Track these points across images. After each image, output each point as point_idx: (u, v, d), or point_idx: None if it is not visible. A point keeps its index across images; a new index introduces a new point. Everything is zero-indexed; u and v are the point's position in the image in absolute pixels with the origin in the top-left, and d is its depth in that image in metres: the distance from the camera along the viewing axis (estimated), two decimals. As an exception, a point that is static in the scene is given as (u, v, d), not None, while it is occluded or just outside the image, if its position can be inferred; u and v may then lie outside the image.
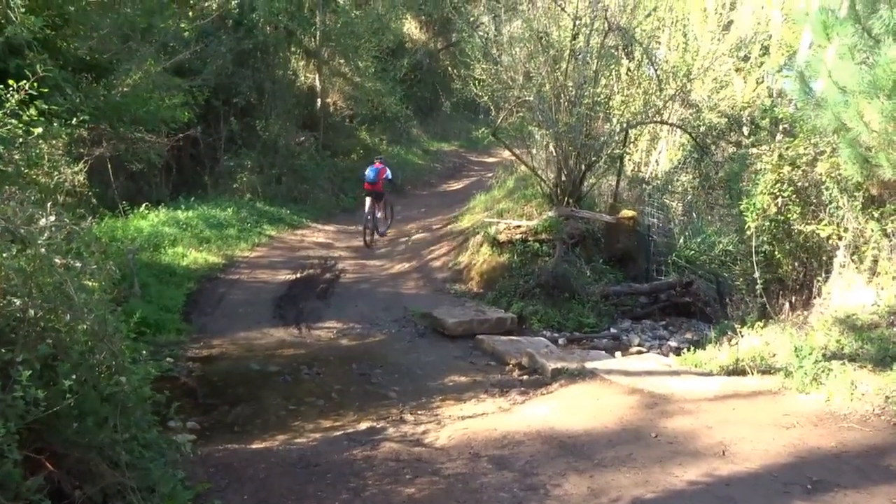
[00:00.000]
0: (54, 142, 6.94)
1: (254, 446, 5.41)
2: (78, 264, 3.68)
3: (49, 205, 3.89)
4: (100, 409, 3.46)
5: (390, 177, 13.81)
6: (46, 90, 6.43)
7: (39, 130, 6.20)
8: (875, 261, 6.73)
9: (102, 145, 10.45)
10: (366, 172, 13.67)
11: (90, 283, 3.82)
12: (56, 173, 6.77)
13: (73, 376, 3.29)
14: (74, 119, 7.37)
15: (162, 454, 3.82)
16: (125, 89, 9.97)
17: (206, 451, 5.09)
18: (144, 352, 4.37)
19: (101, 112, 9.56)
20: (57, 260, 3.54)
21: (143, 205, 13.16)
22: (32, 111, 6.11)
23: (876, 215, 6.64)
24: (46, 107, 6.51)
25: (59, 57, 8.92)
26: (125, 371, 3.59)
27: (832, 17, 5.38)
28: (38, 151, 6.31)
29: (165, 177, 15.42)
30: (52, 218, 3.70)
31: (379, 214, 14.27)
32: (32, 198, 4.34)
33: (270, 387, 7.00)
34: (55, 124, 6.96)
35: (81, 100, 8.70)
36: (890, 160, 5.21)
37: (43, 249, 3.47)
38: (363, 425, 5.98)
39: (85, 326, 3.50)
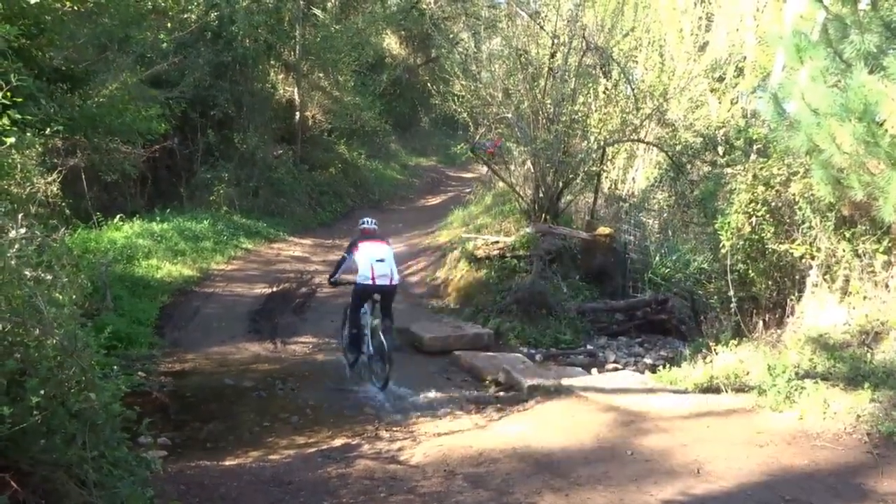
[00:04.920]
0: (27, 152, 6.86)
1: (226, 463, 5.33)
2: (49, 277, 3.62)
3: (21, 216, 3.82)
4: (68, 425, 3.38)
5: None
6: (20, 100, 6.36)
7: (12, 140, 6.12)
8: (847, 280, 6.83)
9: (77, 156, 10.35)
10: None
11: (61, 297, 3.75)
12: (29, 184, 6.70)
13: (41, 392, 3.21)
14: (48, 129, 7.28)
15: (131, 472, 3.73)
16: (101, 100, 9.88)
17: (178, 468, 5.00)
18: (116, 367, 4.29)
19: (76, 122, 9.48)
20: (27, 272, 3.48)
21: (118, 216, 12.98)
22: (5, 121, 6.04)
23: (847, 236, 6.74)
24: (20, 116, 6.44)
25: (34, 66, 8.81)
26: (95, 387, 3.52)
27: (805, 41, 5.47)
28: (10, 161, 6.23)
29: (141, 188, 15.25)
30: (24, 229, 3.65)
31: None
32: (3, 208, 4.27)
33: (244, 402, 6.91)
34: (28, 134, 6.88)
35: (56, 110, 8.62)
36: (861, 182, 5.29)
37: (13, 261, 3.41)
38: (338, 442, 5.92)
39: (54, 341, 3.43)
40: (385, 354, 7.22)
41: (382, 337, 7.27)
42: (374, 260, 7.44)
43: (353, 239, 7.98)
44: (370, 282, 7.40)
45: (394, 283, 7.63)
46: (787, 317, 7.39)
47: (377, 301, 7.58)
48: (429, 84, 16.61)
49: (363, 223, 8.12)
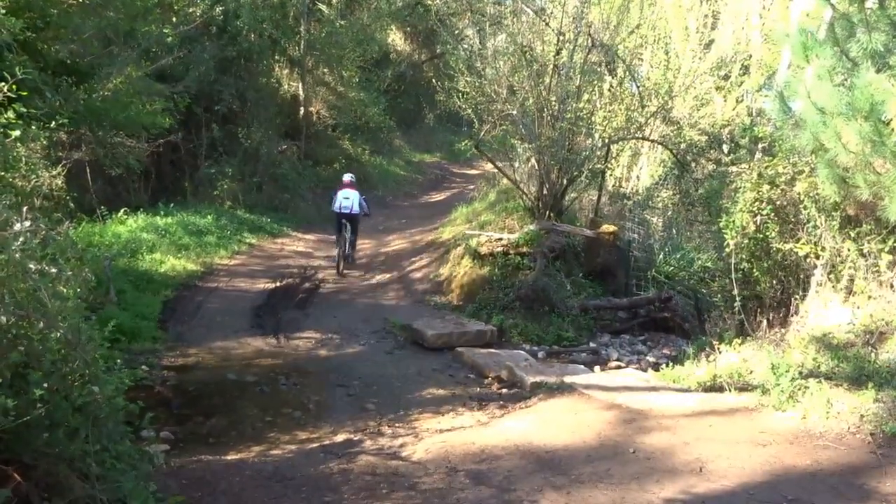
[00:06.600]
0: (32, 145, 6.84)
1: (228, 458, 5.33)
2: (53, 270, 3.61)
3: (25, 209, 3.82)
4: (71, 419, 3.38)
5: None
6: (25, 93, 6.35)
7: (17, 133, 6.12)
8: (851, 280, 6.80)
9: (81, 149, 10.35)
10: None
11: (65, 290, 3.74)
12: (33, 177, 6.67)
13: (45, 385, 3.22)
14: (53, 122, 7.27)
15: (134, 466, 3.74)
16: (106, 93, 9.87)
17: (180, 462, 5.01)
18: (119, 360, 4.30)
19: (81, 116, 9.48)
20: (31, 266, 3.47)
21: (122, 210, 13.03)
22: (10, 114, 6.04)
23: (853, 235, 6.72)
24: (25, 110, 6.42)
25: (39, 59, 8.82)
26: (98, 380, 3.52)
27: (811, 39, 5.44)
28: (15, 154, 6.21)
29: (145, 182, 15.27)
30: (28, 222, 3.64)
31: None
32: (8, 201, 4.27)
33: (247, 397, 6.92)
34: (33, 127, 6.87)
35: (61, 103, 8.61)
36: (867, 181, 5.26)
37: (17, 254, 3.40)
38: (340, 437, 5.92)
39: (58, 334, 3.43)
40: (347, 253, 12.79)
41: (347, 244, 12.76)
42: (343, 197, 12.52)
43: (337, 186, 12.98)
44: (339, 209, 12.52)
45: (353, 211, 12.53)
46: (791, 316, 7.37)
47: (347, 223, 12.63)
48: (433, 80, 16.61)
49: (345, 176, 13.14)
